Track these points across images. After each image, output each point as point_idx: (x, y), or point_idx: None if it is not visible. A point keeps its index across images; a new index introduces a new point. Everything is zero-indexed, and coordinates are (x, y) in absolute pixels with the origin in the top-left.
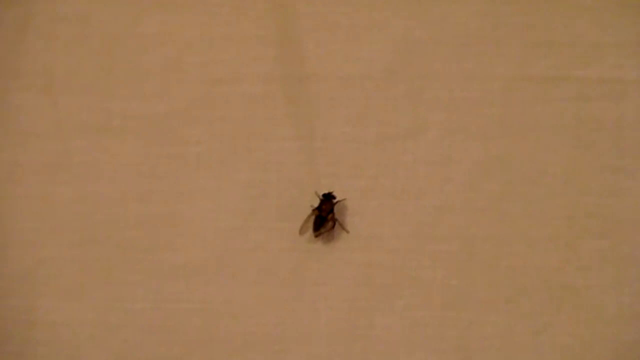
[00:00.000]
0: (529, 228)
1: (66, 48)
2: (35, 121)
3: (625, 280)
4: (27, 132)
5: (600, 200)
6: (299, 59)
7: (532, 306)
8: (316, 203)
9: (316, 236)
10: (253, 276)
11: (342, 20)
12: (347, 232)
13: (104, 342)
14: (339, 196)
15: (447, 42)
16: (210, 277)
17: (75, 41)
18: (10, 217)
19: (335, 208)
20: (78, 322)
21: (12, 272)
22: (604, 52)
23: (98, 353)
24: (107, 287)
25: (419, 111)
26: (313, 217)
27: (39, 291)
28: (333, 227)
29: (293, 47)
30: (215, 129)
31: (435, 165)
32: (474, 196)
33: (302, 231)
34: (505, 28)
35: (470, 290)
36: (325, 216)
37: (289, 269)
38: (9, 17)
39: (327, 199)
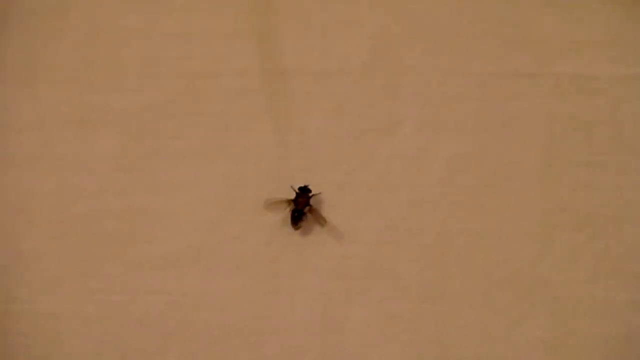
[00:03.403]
0: (504, 222)
1: (46, 41)
2: (15, 114)
3: (599, 274)
4: (6, 125)
5: (574, 194)
6: (276, 54)
7: (507, 299)
8: (292, 196)
9: (296, 229)
10: (230, 268)
11: (319, 15)
12: (322, 225)
13: (83, 333)
14: (314, 190)
15: (423, 38)
16: (188, 269)
17: (56, 34)
18: None
19: (311, 201)
20: (57, 313)
21: None
22: (579, 49)
23: (77, 344)
24: (85, 278)
25: (395, 106)
26: (289, 211)
27: (18, 282)
28: (309, 219)
29: (271, 42)
30: (193, 123)
31: (411, 159)
32: (449, 190)
33: (278, 224)
34: (481, 24)
35: (446, 283)
36: (301, 209)
37: (265, 262)
38: None
39: (303, 193)
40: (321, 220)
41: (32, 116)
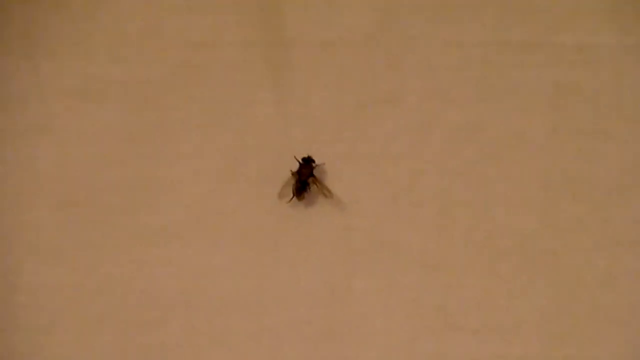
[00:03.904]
0: (507, 192)
1: (47, 12)
2: (16, 85)
3: (602, 243)
4: (7, 96)
5: (577, 164)
6: (278, 24)
7: (510, 269)
8: (295, 167)
9: (299, 200)
10: (232, 240)
11: None
12: (326, 196)
13: (84, 305)
14: (318, 161)
15: (425, 8)
16: (189, 240)
17: (56, 5)
18: None
19: (315, 172)
20: (58, 285)
21: None
22: (581, 18)
23: (78, 316)
24: (87, 250)
25: (397, 76)
26: (293, 181)
27: (19, 254)
28: (312, 191)
29: (273, 12)
30: (195, 94)
31: (414, 130)
32: (452, 160)
33: (281, 195)
34: None
35: (449, 254)
36: (304, 180)
37: (268, 233)
38: None
39: (307, 163)
40: (325, 191)
41: (33, 88)
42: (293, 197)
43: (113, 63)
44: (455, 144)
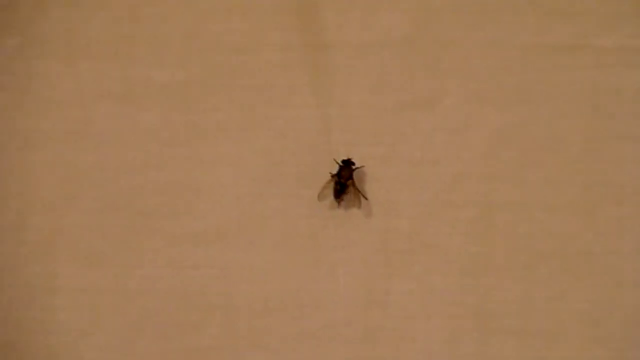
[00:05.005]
0: (547, 195)
1: (87, 15)
2: (56, 88)
3: None
4: (48, 99)
5: (617, 167)
6: (317, 27)
7: (550, 272)
8: (334, 170)
9: (338, 203)
10: (271, 242)
11: None
12: (366, 198)
13: (124, 308)
14: (357, 163)
15: (464, 10)
16: (229, 243)
17: (97, 8)
18: (31, 184)
19: (354, 175)
20: (98, 288)
21: (33, 239)
22: (622, 20)
23: (118, 319)
24: (126, 253)
25: (436, 79)
26: (333, 184)
27: (59, 258)
28: (351, 193)
29: (311, 16)
30: (234, 97)
31: (453, 132)
32: (492, 163)
33: (320, 197)
34: None
35: (488, 257)
36: (344, 182)
37: (307, 235)
38: None
39: (347, 166)
40: (364, 194)
41: (73, 91)
42: (334, 199)
43: (153, 66)
44: (494, 147)
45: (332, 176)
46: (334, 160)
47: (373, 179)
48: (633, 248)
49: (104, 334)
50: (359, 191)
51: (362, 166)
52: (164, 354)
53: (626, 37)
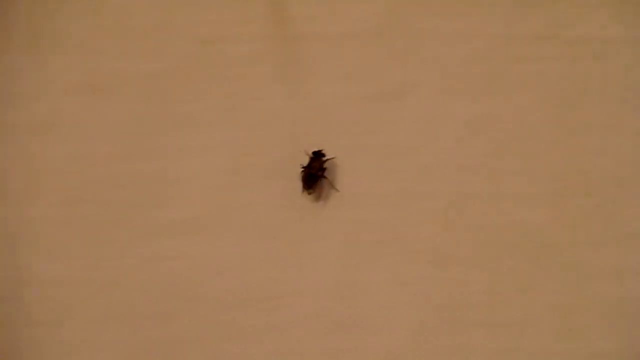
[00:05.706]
0: (515, 186)
1: (54, 8)
2: (24, 81)
3: (610, 238)
4: (15, 92)
5: (585, 158)
6: (288, 18)
7: (518, 264)
8: (306, 161)
9: (309, 193)
10: (242, 234)
11: None
12: (337, 190)
13: (94, 300)
14: (328, 154)
15: (434, 1)
16: (199, 235)
17: (62, 1)
18: None
19: (325, 166)
20: (68, 280)
21: (1, 231)
22: (590, 12)
23: (88, 311)
24: (96, 245)
25: (406, 70)
26: (303, 175)
27: (28, 250)
28: (322, 184)
29: (280, 7)
30: (203, 89)
31: (423, 123)
32: (461, 154)
33: (290, 189)
34: None
35: (457, 248)
36: (315, 173)
37: (278, 227)
38: None
39: (317, 157)
40: (334, 185)
41: (40, 84)
42: (303, 190)
43: (120, 58)
44: (463, 138)
45: (303, 168)
46: (305, 151)
47: (344, 170)
48: (601, 239)
49: (73, 326)
50: (330, 182)
51: (333, 157)
52: (134, 345)
53: (594, 27)
